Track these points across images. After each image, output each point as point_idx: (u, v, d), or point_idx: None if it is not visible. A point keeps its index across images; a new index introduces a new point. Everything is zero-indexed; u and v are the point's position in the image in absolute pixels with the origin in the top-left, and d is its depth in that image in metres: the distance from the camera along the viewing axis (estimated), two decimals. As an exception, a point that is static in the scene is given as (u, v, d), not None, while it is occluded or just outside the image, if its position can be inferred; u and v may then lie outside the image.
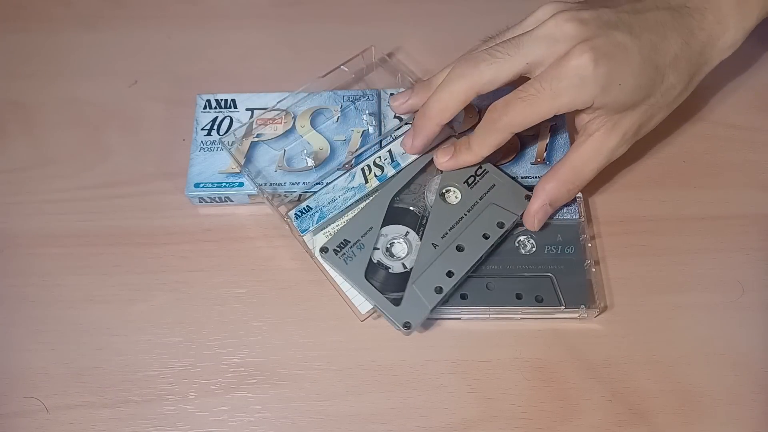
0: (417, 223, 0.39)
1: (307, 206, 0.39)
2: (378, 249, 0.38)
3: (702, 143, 0.44)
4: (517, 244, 0.39)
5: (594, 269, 0.38)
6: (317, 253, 0.37)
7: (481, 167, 0.40)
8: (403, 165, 0.40)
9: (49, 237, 0.41)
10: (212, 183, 0.41)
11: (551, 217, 0.39)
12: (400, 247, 0.38)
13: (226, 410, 0.36)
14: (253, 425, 0.35)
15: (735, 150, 0.44)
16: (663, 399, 0.36)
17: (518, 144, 0.42)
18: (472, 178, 0.39)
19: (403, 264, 0.37)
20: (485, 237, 0.38)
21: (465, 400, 0.36)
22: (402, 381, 0.36)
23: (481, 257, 0.37)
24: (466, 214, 0.38)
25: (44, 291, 0.39)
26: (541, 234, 0.39)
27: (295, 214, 0.38)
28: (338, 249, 0.37)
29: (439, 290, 0.36)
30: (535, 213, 0.38)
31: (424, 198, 0.40)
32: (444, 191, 0.39)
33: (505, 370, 0.37)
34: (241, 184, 0.41)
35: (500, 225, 0.38)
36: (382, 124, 0.43)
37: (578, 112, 0.36)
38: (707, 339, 0.37)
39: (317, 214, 0.39)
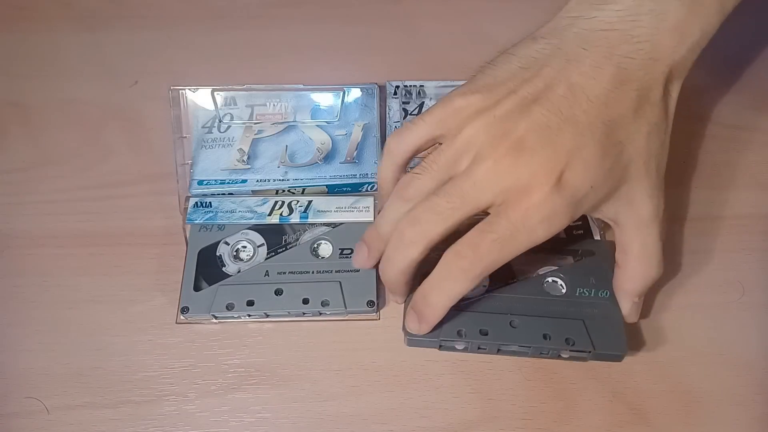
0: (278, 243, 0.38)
1: (209, 203, 0.38)
2: (228, 244, 0.38)
3: (702, 143, 0.44)
4: (545, 285, 0.37)
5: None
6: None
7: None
8: (310, 220, 0.39)
9: (49, 237, 0.41)
10: (215, 180, 0.41)
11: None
12: (247, 253, 0.38)
13: (227, 411, 0.36)
14: (254, 426, 0.35)
15: (735, 150, 0.44)
16: (663, 399, 0.36)
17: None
18: None
19: (239, 270, 0.38)
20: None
21: (465, 401, 0.36)
22: (402, 381, 0.36)
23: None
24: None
25: (44, 291, 0.39)
26: (573, 276, 0.37)
27: (195, 202, 0.37)
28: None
29: (230, 307, 0.36)
30: (628, 313, 0.35)
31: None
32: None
33: (506, 370, 0.37)
34: (244, 181, 0.41)
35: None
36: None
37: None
38: (707, 339, 0.37)
39: (210, 215, 0.38)
